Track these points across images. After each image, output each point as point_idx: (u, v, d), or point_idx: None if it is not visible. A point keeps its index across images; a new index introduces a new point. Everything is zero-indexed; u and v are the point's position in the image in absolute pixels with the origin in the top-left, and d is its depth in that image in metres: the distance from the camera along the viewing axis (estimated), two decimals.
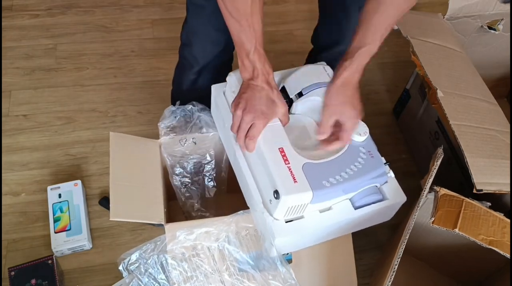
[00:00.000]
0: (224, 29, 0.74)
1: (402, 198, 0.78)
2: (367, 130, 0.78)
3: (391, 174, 0.77)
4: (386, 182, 0.77)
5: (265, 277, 0.75)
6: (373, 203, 0.75)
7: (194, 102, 0.91)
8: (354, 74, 0.76)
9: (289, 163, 0.71)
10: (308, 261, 0.79)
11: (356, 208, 0.74)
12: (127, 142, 0.86)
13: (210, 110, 0.91)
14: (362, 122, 0.78)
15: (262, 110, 0.74)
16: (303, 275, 0.78)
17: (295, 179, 0.69)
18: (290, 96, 0.82)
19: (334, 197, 0.73)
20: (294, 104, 0.81)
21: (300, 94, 0.81)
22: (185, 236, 0.75)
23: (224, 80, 0.85)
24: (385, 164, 0.77)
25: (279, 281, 0.75)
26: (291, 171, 0.70)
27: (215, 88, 0.87)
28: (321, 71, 0.84)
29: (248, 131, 0.74)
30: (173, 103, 1.09)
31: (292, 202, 0.69)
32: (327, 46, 1.09)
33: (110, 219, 0.73)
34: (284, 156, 0.72)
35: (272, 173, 0.70)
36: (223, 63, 1.01)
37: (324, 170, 0.72)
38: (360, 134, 0.77)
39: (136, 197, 0.79)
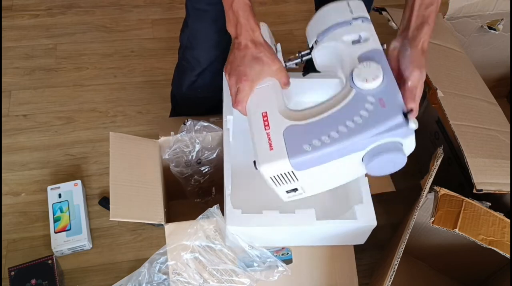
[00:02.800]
0: (224, 30, 0.73)
1: (372, 222, 0.73)
2: (380, 73, 0.62)
3: (412, 125, 0.59)
4: (407, 136, 0.60)
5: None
6: (387, 156, 0.60)
7: (192, 121, 0.90)
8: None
9: (269, 129, 0.65)
10: (308, 261, 0.79)
11: (367, 168, 0.61)
12: (127, 142, 0.86)
13: (211, 126, 0.91)
14: (374, 64, 0.63)
15: (245, 72, 0.68)
16: (303, 275, 0.78)
17: (271, 146, 0.63)
18: (310, 48, 0.73)
19: (323, 161, 0.62)
20: (313, 57, 0.73)
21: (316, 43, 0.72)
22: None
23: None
24: (405, 114, 0.60)
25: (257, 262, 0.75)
26: (269, 137, 0.64)
27: None
28: (341, 9, 0.72)
29: (236, 96, 0.70)
30: (173, 105, 1.09)
31: (270, 171, 0.63)
32: None
33: (110, 219, 0.73)
34: (266, 120, 0.66)
35: (252, 140, 0.65)
36: (223, 64, 1.01)
37: (310, 131, 0.62)
38: (367, 79, 0.62)
39: (136, 197, 0.79)
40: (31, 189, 1.08)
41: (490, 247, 0.73)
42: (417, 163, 1.18)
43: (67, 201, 1.02)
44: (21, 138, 1.17)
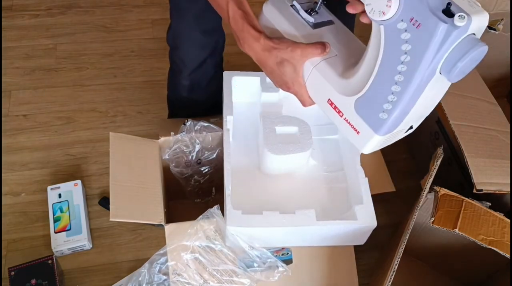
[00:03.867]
0: (210, 32, 0.72)
1: (372, 222, 0.73)
2: None
3: (460, 23, 0.49)
4: (467, 27, 0.50)
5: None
6: (466, 58, 0.51)
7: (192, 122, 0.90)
8: None
9: (343, 114, 0.63)
10: (308, 262, 0.79)
11: (450, 78, 0.53)
12: (126, 142, 0.86)
13: (210, 125, 0.90)
14: None
15: (284, 81, 0.66)
16: (303, 276, 0.78)
17: (356, 130, 0.62)
18: None
19: (406, 112, 0.58)
20: None
21: None
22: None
23: (219, 83, 0.84)
24: (447, 9, 0.50)
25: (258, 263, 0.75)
26: (349, 123, 0.63)
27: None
28: None
29: (300, 100, 0.69)
30: (170, 108, 1.08)
31: (375, 148, 0.63)
32: None
33: (110, 220, 0.73)
34: (335, 108, 0.64)
35: (340, 130, 0.67)
36: (215, 65, 0.99)
37: (374, 97, 0.59)
38: (383, 11, 0.53)
39: (136, 198, 0.79)
40: (31, 189, 1.08)
41: (490, 247, 0.73)
42: (417, 163, 1.18)
43: (67, 201, 1.02)
44: (21, 138, 1.17)
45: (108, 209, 0.76)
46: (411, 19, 0.52)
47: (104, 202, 1.06)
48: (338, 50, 0.66)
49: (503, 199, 0.86)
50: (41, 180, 1.10)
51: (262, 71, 0.69)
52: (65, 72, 1.32)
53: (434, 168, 0.79)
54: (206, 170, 0.95)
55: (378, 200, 0.80)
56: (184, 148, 0.90)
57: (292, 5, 0.71)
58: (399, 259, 0.72)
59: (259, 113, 0.87)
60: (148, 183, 0.82)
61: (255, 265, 0.75)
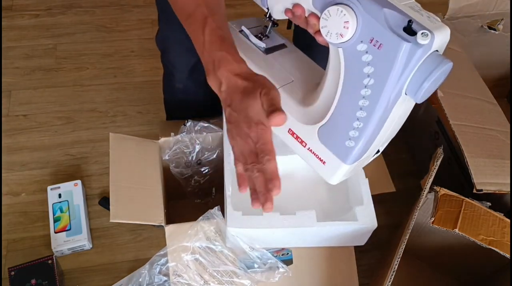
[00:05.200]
0: None
1: (373, 223, 0.73)
2: (349, 14, 0.48)
3: (423, 41, 0.46)
4: (431, 43, 0.47)
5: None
6: (432, 77, 0.49)
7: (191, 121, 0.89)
8: None
9: (306, 144, 0.60)
10: (308, 262, 0.79)
11: (416, 99, 0.51)
12: (126, 143, 0.86)
13: (209, 125, 0.89)
14: (334, 8, 0.49)
15: (246, 115, 0.55)
16: (304, 276, 0.78)
17: (321, 160, 0.59)
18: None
19: (374, 137, 0.55)
20: (271, 12, 0.62)
21: None
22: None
23: None
24: (408, 27, 0.47)
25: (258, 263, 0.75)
26: (313, 153, 0.60)
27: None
28: None
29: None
30: (167, 111, 1.08)
31: (343, 177, 0.61)
32: None
33: (110, 221, 0.73)
34: (297, 138, 0.61)
35: (305, 161, 0.62)
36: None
37: (338, 125, 0.55)
38: (341, 34, 0.49)
39: (136, 198, 0.79)
40: (31, 189, 1.08)
41: (490, 247, 0.73)
42: (417, 163, 1.18)
43: (67, 201, 1.02)
44: (21, 138, 1.17)
45: (108, 209, 0.76)
46: (371, 40, 0.48)
47: (104, 202, 1.06)
48: (294, 76, 0.62)
49: (503, 199, 0.86)
50: (41, 180, 1.10)
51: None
52: (65, 72, 1.32)
53: (434, 168, 0.79)
54: (206, 170, 0.95)
55: (378, 200, 0.80)
56: (184, 148, 0.90)
57: (241, 31, 0.67)
58: (399, 259, 0.72)
59: None
60: (148, 184, 0.82)
61: (256, 266, 0.75)
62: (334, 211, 0.78)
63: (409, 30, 0.47)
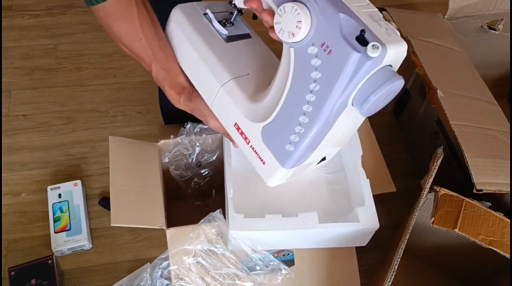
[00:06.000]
0: None
1: (375, 224, 0.73)
2: (303, 13, 0.46)
3: (373, 54, 0.44)
4: (383, 57, 0.45)
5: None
6: (379, 92, 0.46)
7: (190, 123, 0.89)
8: None
9: (249, 141, 0.58)
10: (310, 263, 0.79)
11: (362, 113, 0.49)
12: (126, 146, 0.85)
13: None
14: (289, 5, 0.47)
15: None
16: (305, 277, 0.78)
17: (262, 160, 0.58)
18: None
19: (315, 146, 0.53)
20: (235, 4, 0.61)
21: None
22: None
23: None
24: (361, 36, 0.45)
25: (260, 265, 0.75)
26: (255, 151, 0.58)
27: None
28: None
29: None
30: (164, 117, 1.08)
31: (280, 180, 0.60)
32: None
33: (111, 225, 0.73)
34: (242, 133, 0.59)
35: (247, 157, 0.61)
36: None
37: (281, 127, 0.53)
38: (293, 33, 0.47)
39: (137, 202, 0.79)
40: (31, 189, 1.08)
41: (490, 247, 0.73)
42: (417, 163, 1.18)
43: (67, 201, 1.02)
44: (21, 138, 1.17)
45: (108, 209, 0.76)
46: (322, 44, 0.46)
47: (104, 202, 1.06)
48: (251, 68, 0.60)
49: (503, 199, 0.86)
50: (41, 180, 1.10)
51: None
52: (65, 72, 1.32)
53: (434, 168, 0.79)
54: (206, 172, 0.95)
55: (378, 200, 0.80)
56: (184, 150, 0.90)
57: (205, 14, 0.64)
58: (399, 259, 0.72)
59: None
60: (149, 187, 0.82)
61: (258, 268, 0.75)
62: (335, 212, 0.78)
63: (362, 40, 0.45)
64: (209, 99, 0.62)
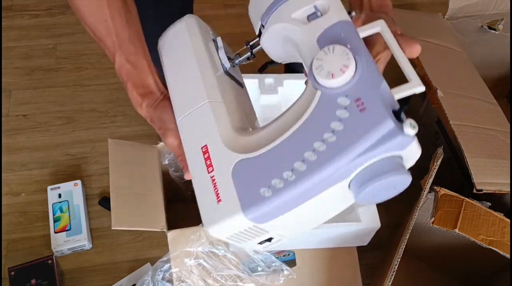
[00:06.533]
0: None
1: (376, 223, 0.72)
2: (350, 59, 0.43)
3: (409, 129, 0.41)
4: (406, 145, 0.42)
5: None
6: (384, 180, 0.42)
7: None
8: None
9: (213, 170, 0.48)
10: (311, 263, 0.79)
11: (358, 198, 0.44)
12: (126, 149, 0.85)
13: None
14: (339, 47, 0.44)
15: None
16: (306, 277, 0.78)
17: (218, 197, 0.46)
18: (258, 36, 0.56)
19: (293, 205, 0.45)
20: (262, 47, 0.56)
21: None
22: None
23: None
24: (398, 112, 0.43)
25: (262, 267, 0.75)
26: (215, 184, 0.47)
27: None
28: None
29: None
30: None
31: (224, 233, 0.48)
32: None
33: (112, 228, 0.73)
34: (207, 158, 0.49)
35: (195, 191, 0.49)
36: None
37: (267, 166, 0.45)
38: (333, 74, 0.43)
39: (137, 204, 0.78)
40: (31, 189, 1.08)
41: (490, 247, 0.73)
42: (417, 162, 1.18)
43: (67, 201, 1.02)
44: (21, 138, 1.17)
45: (108, 209, 0.76)
46: (357, 99, 0.42)
47: (104, 202, 1.06)
48: (238, 108, 0.56)
49: (503, 199, 0.86)
50: (41, 180, 1.10)
51: (260, 73, 0.64)
52: (65, 72, 1.32)
53: (434, 168, 0.79)
54: None
55: None
56: None
57: (214, 41, 0.60)
58: (399, 259, 0.72)
59: (258, 116, 0.87)
60: (149, 190, 0.81)
61: (260, 269, 0.75)
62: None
63: (397, 116, 0.42)
64: (183, 111, 0.54)
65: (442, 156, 0.80)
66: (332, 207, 0.51)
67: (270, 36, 0.53)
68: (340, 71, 0.43)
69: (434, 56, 1.01)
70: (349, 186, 0.44)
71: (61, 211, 1.01)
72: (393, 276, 0.71)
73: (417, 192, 0.80)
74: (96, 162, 1.14)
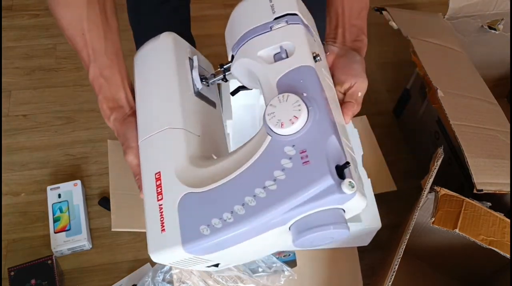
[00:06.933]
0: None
1: (377, 224, 0.72)
2: (302, 111, 0.44)
3: (346, 189, 0.41)
4: (347, 200, 0.43)
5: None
6: (320, 232, 0.43)
7: None
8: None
9: (162, 199, 0.49)
10: (312, 263, 0.79)
11: (295, 244, 0.45)
12: None
13: None
14: (293, 97, 0.45)
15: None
16: (307, 277, 0.78)
17: (163, 226, 0.47)
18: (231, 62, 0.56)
19: (229, 245, 0.46)
20: (232, 73, 0.57)
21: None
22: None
23: None
24: (342, 167, 0.43)
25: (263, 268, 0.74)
26: (162, 213, 0.48)
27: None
28: (261, 4, 0.53)
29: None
30: None
31: (166, 260, 0.49)
32: None
33: (112, 230, 0.73)
34: (159, 186, 0.50)
35: (145, 213, 0.51)
36: None
37: (209, 204, 0.46)
38: (282, 123, 0.44)
39: (137, 206, 0.78)
40: (31, 189, 1.08)
41: (490, 247, 0.73)
42: (417, 163, 1.18)
43: (67, 201, 1.02)
44: (21, 138, 1.17)
45: (108, 209, 0.76)
46: (303, 151, 0.43)
47: (104, 202, 1.05)
48: (203, 133, 0.55)
49: (503, 199, 0.86)
50: (41, 180, 1.10)
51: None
52: (65, 72, 1.32)
53: (435, 168, 0.79)
54: None
55: (379, 200, 0.80)
56: None
57: (190, 59, 0.59)
58: (400, 259, 0.72)
59: (259, 116, 0.87)
60: None
61: (260, 270, 0.75)
62: None
63: (340, 172, 0.43)
64: (145, 133, 0.54)
65: (443, 156, 0.80)
66: (273, 245, 0.52)
67: (237, 67, 0.53)
68: (289, 121, 0.43)
69: (434, 56, 1.01)
70: (289, 229, 0.45)
71: (61, 211, 1.01)
72: (393, 276, 0.71)
73: (417, 192, 0.80)
74: (96, 162, 1.14)
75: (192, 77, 0.58)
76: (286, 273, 0.75)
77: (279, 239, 0.47)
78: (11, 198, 1.07)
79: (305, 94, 0.45)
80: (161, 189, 0.49)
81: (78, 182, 1.05)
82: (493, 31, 1.14)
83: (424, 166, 0.89)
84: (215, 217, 0.44)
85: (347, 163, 0.43)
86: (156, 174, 0.51)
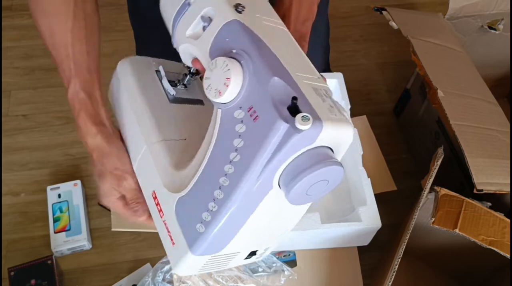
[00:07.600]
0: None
1: (377, 223, 0.73)
2: (235, 69, 0.40)
3: (301, 126, 0.37)
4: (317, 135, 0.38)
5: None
6: (310, 176, 0.38)
7: None
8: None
9: (163, 215, 0.48)
10: (312, 263, 0.79)
11: (289, 198, 0.40)
12: None
13: None
14: (221, 59, 0.41)
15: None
16: (307, 277, 0.78)
17: (172, 239, 0.47)
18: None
19: (232, 234, 0.44)
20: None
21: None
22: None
23: None
24: (294, 106, 0.39)
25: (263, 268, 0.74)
26: (167, 228, 0.47)
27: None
28: None
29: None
30: None
31: (190, 270, 0.49)
32: None
33: (112, 230, 0.73)
34: (158, 204, 0.49)
35: (160, 237, 0.50)
36: None
37: (195, 200, 0.44)
38: (220, 90, 0.41)
39: None
40: (31, 189, 1.08)
41: (490, 247, 0.73)
42: (417, 163, 1.18)
43: (67, 201, 1.02)
44: (21, 138, 1.17)
45: (108, 209, 0.76)
46: (250, 109, 0.39)
47: None
48: (190, 134, 0.53)
49: (503, 199, 0.86)
50: (41, 180, 1.10)
51: None
52: None
53: (435, 168, 0.79)
54: None
55: (379, 200, 0.80)
56: None
57: (158, 71, 0.59)
58: (400, 259, 0.72)
59: None
60: None
61: (260, 270, 0.75)
62: (337, 212, 0.78)
63: (294, 110, 0.38)
64: (134, 159, 0.54)
65: (443, 156, 0.80)
66: (286, 214, 0.48)
67: (185, 58, 0.51)
68: (224, 85, 0.40)
69: (434, 56, 1.01)
70: (279, 185, 0.41)
71: (61, 211, 1.01)
72: (393, 276, 0.71)
73: (417, 192, 0.80)
74: None
75: (163, 87, 0.57)
76: (286, 273, 0.75)
77: (283, 205, 0.43)
78: (11, 198, 1.07)
79: (234, 51, 0.41)
80: (160, 206, 0.49)
81: (78, 182, 1.05)
82: (493, 31, 1.14)
83: (424, 166, 0.89)
84: (203, 211, 0.42)
85: (294, 98, 0.38)
86: (152, 194, 0.50)
